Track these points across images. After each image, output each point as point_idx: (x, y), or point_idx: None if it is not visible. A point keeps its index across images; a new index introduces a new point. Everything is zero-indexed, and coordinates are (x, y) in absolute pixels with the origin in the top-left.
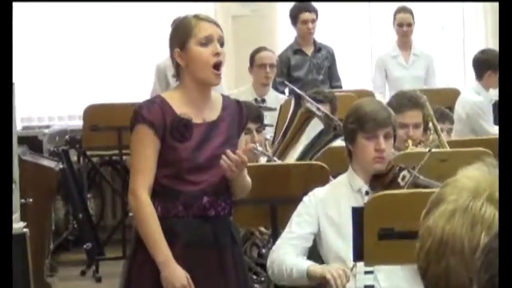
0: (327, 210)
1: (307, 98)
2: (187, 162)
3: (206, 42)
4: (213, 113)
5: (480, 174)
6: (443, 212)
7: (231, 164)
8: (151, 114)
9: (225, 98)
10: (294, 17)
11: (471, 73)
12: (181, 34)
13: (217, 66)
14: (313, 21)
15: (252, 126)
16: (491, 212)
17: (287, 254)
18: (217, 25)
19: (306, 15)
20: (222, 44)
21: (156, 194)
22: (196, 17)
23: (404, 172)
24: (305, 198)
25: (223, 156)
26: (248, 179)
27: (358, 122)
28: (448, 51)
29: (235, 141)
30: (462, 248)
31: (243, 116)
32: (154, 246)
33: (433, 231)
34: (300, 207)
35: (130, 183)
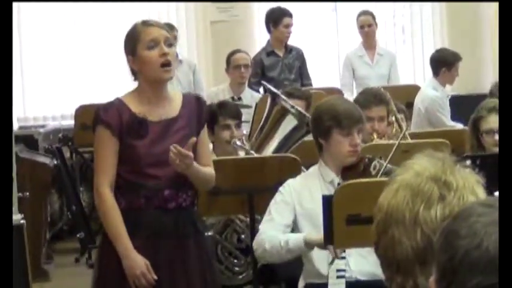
0: (302, 200)
1: (283, 96)
2: (145, 158)
3: (153, 45)
4: (171, 110)
5: (428, 161)
6: (390, 189)
7: (174, 158)
8: (108, 115)
9: (186, 96)
10: (276, 20)
11: (429, 70)
12: (130, 42)
13: (165, 65)
14: (292, 25)
15: (231, 122)
16: (431, 187)
17: (276, 235)
18: (164, 28)
19: (289, 20)
20: (170, 45)
21: (120, 188)
22: (144, 23)
23: (375, 162)
24: (281, 188)
25: (171, 148)
26: (209, 172)
27: (334, 119)
28: (408, 51)
29: (195, 137)
30: (403, 219)
31: (203, 112)
32: (115, 238)
33: (381, 206)
34: (277, 196)
35: (94, 181)
